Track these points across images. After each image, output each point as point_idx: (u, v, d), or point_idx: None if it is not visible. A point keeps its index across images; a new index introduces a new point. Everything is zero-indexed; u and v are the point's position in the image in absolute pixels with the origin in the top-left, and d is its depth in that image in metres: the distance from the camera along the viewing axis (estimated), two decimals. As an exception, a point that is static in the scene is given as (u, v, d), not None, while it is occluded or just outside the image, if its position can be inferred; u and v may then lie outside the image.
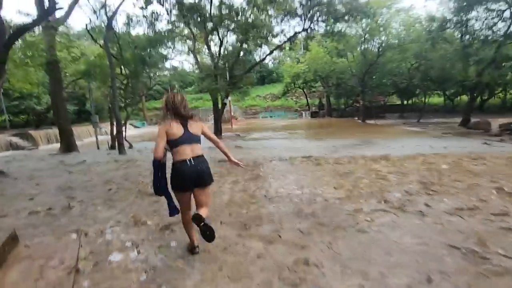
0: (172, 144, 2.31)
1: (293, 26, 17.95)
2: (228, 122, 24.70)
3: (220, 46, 16.06)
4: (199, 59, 18.85)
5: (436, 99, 31.11)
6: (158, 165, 2.32)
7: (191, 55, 21.10)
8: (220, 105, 17.29)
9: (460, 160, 6.32)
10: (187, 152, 2.31)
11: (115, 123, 12.02)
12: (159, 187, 2.38)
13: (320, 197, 4.05)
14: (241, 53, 16.36)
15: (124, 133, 12.69)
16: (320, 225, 3.07)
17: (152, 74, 40.61)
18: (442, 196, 3.85)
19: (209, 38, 16.62)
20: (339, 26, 16.56)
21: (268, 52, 18.14)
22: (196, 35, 17.28)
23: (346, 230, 2.92)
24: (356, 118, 26.71)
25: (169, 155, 2.40)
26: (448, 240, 2.60)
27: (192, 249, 2.52)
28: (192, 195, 2.41)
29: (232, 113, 26.33)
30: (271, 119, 35.02)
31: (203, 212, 2.30)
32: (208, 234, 2.19)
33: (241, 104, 39.52)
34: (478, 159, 6.35)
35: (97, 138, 13.10)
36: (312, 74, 28.25)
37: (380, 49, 20.53)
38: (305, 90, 34.17)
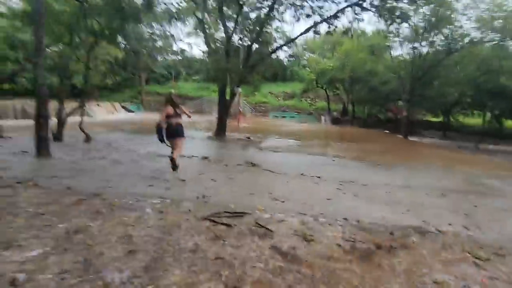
0: (168, 117, 5.07)
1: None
2: (234, 119, 20.16)
3: (238, 13, 11.48)
4: (208, 34, 14.22)
5: (473, 119, 26.26)
6: (160, 128, 5.01)
7: (198, 30, 16.66)
8: (228, 96, 12.79)
9: None
10: (174, 121, 5.12)
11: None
12: (162, 139, 5.08)
13: None
14: (266, 27, 11.77)
15: (81, 118, 8.26)
16: None
17: (154, 54, 36.30)
18: None
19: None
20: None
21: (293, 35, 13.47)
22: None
23: None
24: (387, 132, 22.11)
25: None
26: None
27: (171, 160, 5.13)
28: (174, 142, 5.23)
29: (241, 108, 21.76)
30: (283, 120, 30.43)
31: (175, 154, 5.12)
32: (173, 166, 5.12)
33: (250, 99, 34.99)
34: None
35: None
36: (343, 72, 23.46)
37: (449, 46, 15.65)
38: (327, 91, 29.41)
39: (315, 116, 33.55)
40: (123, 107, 30.09)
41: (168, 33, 40.37)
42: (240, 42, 11.66)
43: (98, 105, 22.66)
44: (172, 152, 5.08)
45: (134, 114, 27.51)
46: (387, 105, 25.42)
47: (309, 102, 39.86)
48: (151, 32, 37.77)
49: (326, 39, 41.21)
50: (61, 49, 10.10)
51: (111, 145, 8.24)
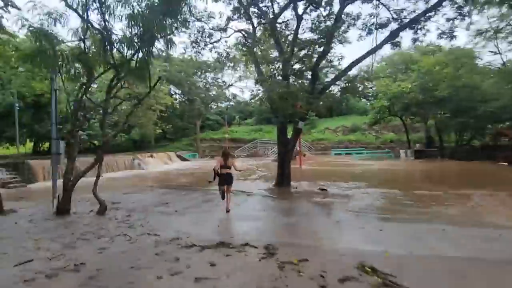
0: (221, 167, 6.20)
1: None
2: (293, 160, 16.86)
3: (297, 27, 8.89)
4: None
5: None
6: (216, 172, 6.21)
7: (247, 65, 14.88)
8: (289, 133, 9.73)
9: None
10: (224, 171, 6.21)
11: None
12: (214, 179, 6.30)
13: None
14: (336, 36, 8.83)
15: (96, 180, 5.99)
16: None
17: (207, 100, 36.73)
18: None
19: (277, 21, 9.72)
20: None
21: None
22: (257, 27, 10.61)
23: None
24: (504, 163, 15.80)
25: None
26: None
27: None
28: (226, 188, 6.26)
29: (300, 148, 18.52)
30: (349, 158, 25.88)
31: (228, 204, 6.23)
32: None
33: (306, 137, 31.68)
34: None
35: (54, 184, 6.53)
36: (423, 94, 18.75)
37: None
38: (403, 118, 24.37)
39: (389, 150, 28.15)
40: (178, 156, 29.65)
41: (221, 82, 42.16)
42: (300, 62, 8.79)
43: (151, 156, 21.99)
44: (226, 200, 6.26)
45: (190, 163, 26.46)
46: (495, 129, 19.15)
47: (374, 135, 34.62)
48: (204, 81, 39.50)
49: (392, 60, 36.98)
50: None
51: (131, 216, 5.61)
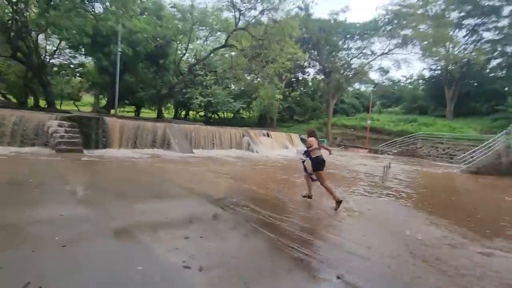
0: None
1: None
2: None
3: None
4: None
5: None
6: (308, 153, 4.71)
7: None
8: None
9: None
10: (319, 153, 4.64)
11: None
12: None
13: None
14: None
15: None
16: None
17: (348, 73, 28.28)
18: None
19: None
20: None
21: None
22: None
23: None
24: None
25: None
26: None
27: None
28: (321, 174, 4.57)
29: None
30: None
31: (336, 194, 4.51)
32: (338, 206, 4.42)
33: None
34: None
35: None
36: None
37: None
38: None
39: None
40: (302, 139, 23.84)
41: (369, 52, 32.30)
42: None
43: (267, 135, 16.98)
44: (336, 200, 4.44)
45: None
46: None
47: None
48: (347, 49, 30.77)
49: None
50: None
51: None
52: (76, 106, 26.60)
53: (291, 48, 14.54)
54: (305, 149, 4.86)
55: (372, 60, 29.83)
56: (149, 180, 5.68)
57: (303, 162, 4.88)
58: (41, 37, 15.65)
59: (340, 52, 28.43)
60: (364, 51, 29.51)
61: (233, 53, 17.44)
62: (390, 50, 28.38)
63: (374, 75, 40.89)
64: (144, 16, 16.23)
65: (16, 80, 17.83)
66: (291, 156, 14.61)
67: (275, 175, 7.75)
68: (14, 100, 19.44)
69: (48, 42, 17.84)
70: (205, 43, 23.41)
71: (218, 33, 18.99)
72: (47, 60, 17.56)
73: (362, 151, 24.30)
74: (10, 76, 18.27)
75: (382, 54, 28.95)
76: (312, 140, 4.64)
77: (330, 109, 28.98)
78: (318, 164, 4.53)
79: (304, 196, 4.90)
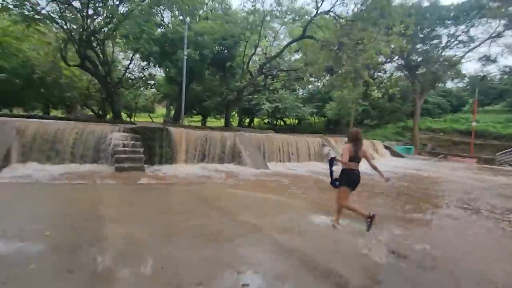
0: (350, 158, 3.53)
1: None
2: None
3: None
4: None
5: None
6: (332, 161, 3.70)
7: None
8: None
9: None
10: (354, 166, 3.58)
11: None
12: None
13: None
14: None
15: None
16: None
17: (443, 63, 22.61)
18: None
19: None
20: None
21: None
22: None
23: None
24: None
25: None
26: None
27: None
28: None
29: None
30: None
31: (365, 212, 3.50)
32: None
33: None
34: None
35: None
36: None
37: None
38: None
39: None
40: (386, 147, 19.76)
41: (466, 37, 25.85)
42: None
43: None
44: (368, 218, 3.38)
45: (407, 161, 16.13)
46: None
47: None
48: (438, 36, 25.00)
49: None
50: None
51: None
52: (151, 118, 27.94)
53: (397, 27, 11.17)
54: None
55: (473, 48, 23.56)
56: (223, 229, 3.53)
57: (331, 172, 3.65)
58: (117, 49, 16.04)
59: (433, 40, 23.25)
60: (459, 38, 23.58)
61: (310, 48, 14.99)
62: (499, 33, 21.93)
63: (471, 66, 32.94)
64: (211, 12, 15.24)
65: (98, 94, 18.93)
66: (391, 169, 11.20)
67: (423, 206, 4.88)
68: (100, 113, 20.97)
69: (123, 57, 18.51)
70: (274, 41, 21.50)
71: (293, 25, 16.83)
72: (122, 73, 18.11)
73: (468, 161, 18.90)
74: (96, 94, 19.61)
75: (490, 37, 22.58)
76: (346, 149, 3.53)
77: (417, 111, 23.91)
78: (352, 180, 3.58)
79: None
